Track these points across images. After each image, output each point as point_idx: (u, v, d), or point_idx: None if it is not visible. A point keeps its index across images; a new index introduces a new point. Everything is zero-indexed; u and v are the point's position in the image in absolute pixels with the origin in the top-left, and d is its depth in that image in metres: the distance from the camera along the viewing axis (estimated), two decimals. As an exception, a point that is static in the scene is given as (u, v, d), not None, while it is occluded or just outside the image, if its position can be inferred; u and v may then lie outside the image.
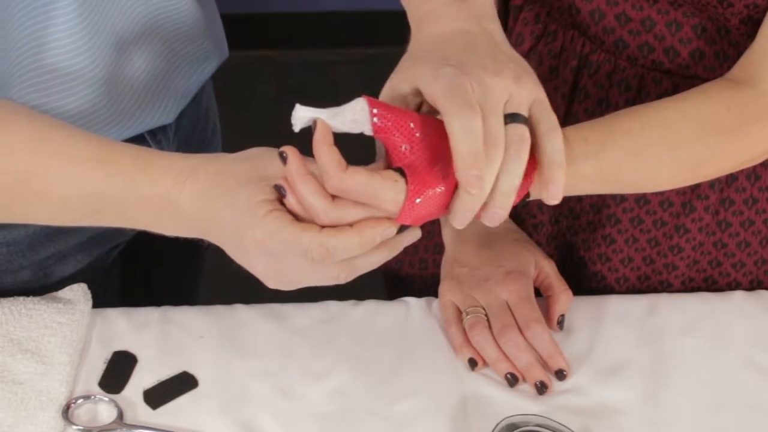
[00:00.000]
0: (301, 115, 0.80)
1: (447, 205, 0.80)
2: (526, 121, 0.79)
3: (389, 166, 0.80)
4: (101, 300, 1.05)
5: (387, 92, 0.82)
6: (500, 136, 0.77)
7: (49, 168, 0.84)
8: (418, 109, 0.83)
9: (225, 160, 0.84)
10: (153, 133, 1.10)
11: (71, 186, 0.84)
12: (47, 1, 0.93)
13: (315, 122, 0.79)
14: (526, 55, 1.08)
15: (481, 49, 0.81)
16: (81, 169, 0.84)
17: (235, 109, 2.64)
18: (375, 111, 0.79)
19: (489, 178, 0.77)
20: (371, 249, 0.80)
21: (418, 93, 0.81)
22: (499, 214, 0.79)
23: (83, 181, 0.84)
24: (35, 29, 0.94)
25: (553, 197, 0.81)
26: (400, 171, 0.79)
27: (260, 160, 0.82)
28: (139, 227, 0.86)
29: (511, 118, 0.78)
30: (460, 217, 0.79)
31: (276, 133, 0.81)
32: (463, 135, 0.76)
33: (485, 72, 0.78)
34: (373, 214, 0.79)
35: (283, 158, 0.79)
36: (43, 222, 0.92)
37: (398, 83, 0.82)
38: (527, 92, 0.79)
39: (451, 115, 0.76)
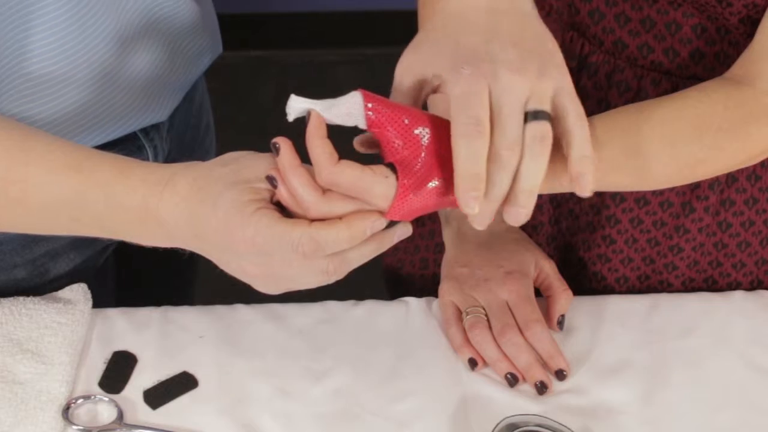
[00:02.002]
0: (296, 106, 0.80)
1: (437, 201, 0.80)
2: (549, 116, 0.77)
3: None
4: (97, 298, 1.05)
5: (404, 73, 0.81)
6: (517, 138, 0.76)
7: (27, 175, 0.84)
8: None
9: (203, 166, 0.83)
10: (146, 131, 1.10)
11: (49, 193, 0.84)
12: (30, 2, 0.92)
13: (309, 113, 0.79)
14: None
15: (505, 33, 0.78)
16: (59, 176, 0.84)
17: (235, 109, 2.64)
18: (369, 105, 0.79)
19: (506, 180, 0.76)
20: (361, 242, 0.80)
21: (437, 78, 0.80)
22: (522, 213, 0.78)
23: (61, 188, 0.84)
24: (17, 32, 0.93)
25: (584, 190, 0.78)
26: (392, 167, 0.79)
27: (239, 163, 0.82)
28: (118, 237, 0.86)
29: (532, 115, 0.76)
30: (478, 222, 0.78)
31: (276, 133, 0.81)
32: (466, 157, 0.75)
33: (506, 69, 0.76)
34: (363, 208, 0.79)
35: (276, 149, 0.79)
36: (22, 230, 0.91)
37: (420, 67, 0.80)
38: (551, 84, 0.77)
39: (457, 134, 0.76)
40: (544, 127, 0.76)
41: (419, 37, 0.82)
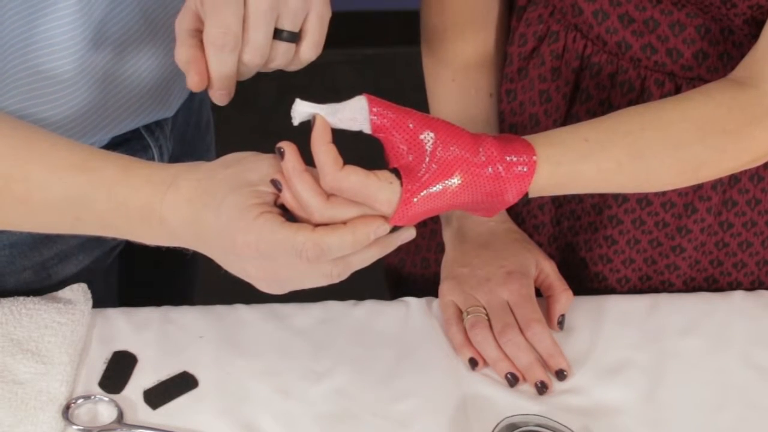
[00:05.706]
0: (301, 110, 0.80)
1: (441, 206, 0.81)
2: (294, 36, 0.83)
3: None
4: (101, 300, 1.05)
5: (182, 19, 0.85)
6: (264, 47, 0.82)
7: (31, 174, 0.84)
8: None
9: (206, 167, 0.83)
10: (151, 130, 1.10)
11: (52, 192, 0.84)
12: (39, 0, 0.92)
13: (314, 118, 0.80)
14: (529, 56, 1.08)
15: None
16: (62, 175, 0.84)
17: (235, 109, 2.63)
18: (374, 109, 0.79)
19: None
20: (365, 246, 0.80)
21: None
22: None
23: (65, 187, 0.84)
24: (26, 27, 0.93)
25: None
26: (396, 172, 0.80)
27: (243, 165, 0.82)
28: (120, 236, 0.86)
29: (278, 34, 0.83)
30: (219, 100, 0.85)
31: (277, 133, 0.82)
32: (217, 64, 0.82)
33: None
34: (367, 212, 0.80)
35: (281, 153, 0.80)
36: (25, 229, 0.92)
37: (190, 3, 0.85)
38: (301, 5, 0.83)
39: (207, 43, 0.82)
40: (285, 48, 0.84)
41: None
